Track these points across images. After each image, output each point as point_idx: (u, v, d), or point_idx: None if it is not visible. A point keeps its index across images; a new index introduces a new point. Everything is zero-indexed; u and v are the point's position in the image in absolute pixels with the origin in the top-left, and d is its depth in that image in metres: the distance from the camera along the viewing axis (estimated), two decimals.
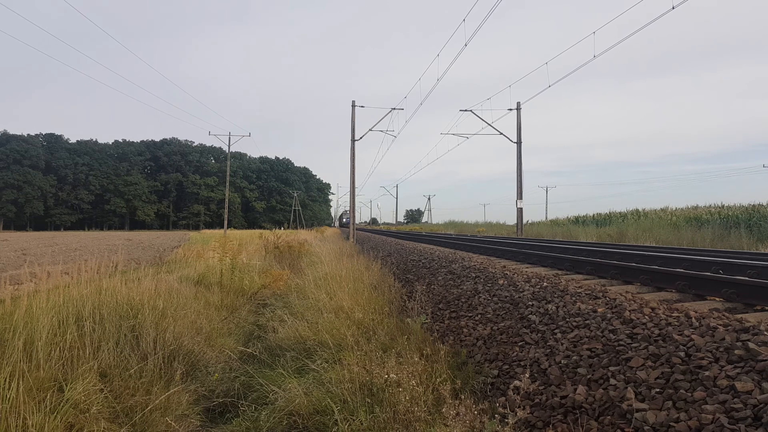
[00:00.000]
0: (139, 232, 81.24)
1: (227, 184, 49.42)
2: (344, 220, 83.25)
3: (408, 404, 3.37)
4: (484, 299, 5.91)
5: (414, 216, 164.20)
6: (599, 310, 4.19)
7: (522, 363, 3.99)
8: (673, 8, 10.53)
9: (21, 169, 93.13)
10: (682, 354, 3.02)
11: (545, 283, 5.58)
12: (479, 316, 5.51)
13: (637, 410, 2.71)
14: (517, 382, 3.45)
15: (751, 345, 2.83)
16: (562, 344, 3.91)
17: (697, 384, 2.72)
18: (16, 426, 2.93)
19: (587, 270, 6.82)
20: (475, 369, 4.24)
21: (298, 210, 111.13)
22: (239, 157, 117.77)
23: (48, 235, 59.03)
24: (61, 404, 3.23)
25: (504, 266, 7.52)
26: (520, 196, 26.60)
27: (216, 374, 4.84)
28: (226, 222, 48.60)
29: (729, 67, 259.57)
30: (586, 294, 4.77)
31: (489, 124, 26.43)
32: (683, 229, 19.59)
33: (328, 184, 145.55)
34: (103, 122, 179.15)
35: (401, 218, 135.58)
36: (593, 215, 33.55)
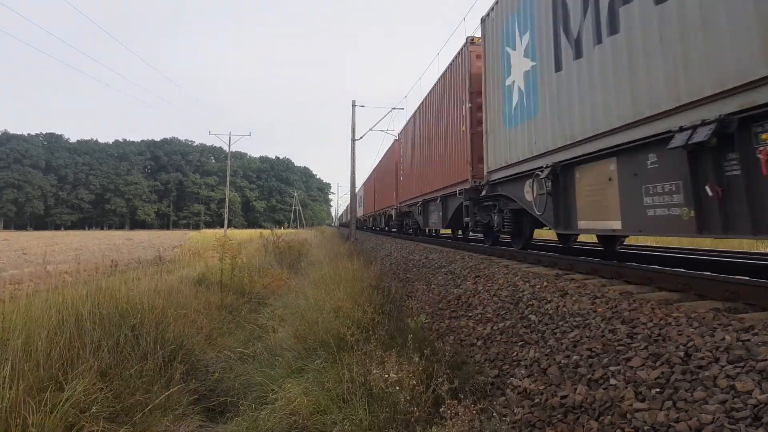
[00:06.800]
0: (140, 231, 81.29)
1: (227, 183, 49.31)
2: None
3: (407, 404, 3.37)
4: (484, 299, 5.91)
5: None
6: (599, 309, 4.19)
7: (522, 363, 3.99)
8: None
9: (21, 168, 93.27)
10: (682, 354, 3.02)
11: (545, 283, 5.58)
12: (479, 315, 5.51)
13: (637, 410, 2.71)
14: (516, 382, 3.45)
15: (751, 345, 2.83)
16: (561, 344, 3.91)
17: (697, 384, 2.72)
18: (16, 425, 2.93)
19: (587, 270, 6.81)
20: (474, 369, 4.24)
21: (299, 209, 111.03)
22: (239, 156, 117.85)
23: (48, 234, 59.11)
24: (61, 403, 3.22)
25: (504, 266, 7.52)
26: None
27: (216, 374, 4.84)
28: (226, 222, 48.59)
29: None
30: (586, 294, 4.77)
31: None
32: None
33: (329, 184, 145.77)
34: (103, 122, 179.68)
35: None
36: None
